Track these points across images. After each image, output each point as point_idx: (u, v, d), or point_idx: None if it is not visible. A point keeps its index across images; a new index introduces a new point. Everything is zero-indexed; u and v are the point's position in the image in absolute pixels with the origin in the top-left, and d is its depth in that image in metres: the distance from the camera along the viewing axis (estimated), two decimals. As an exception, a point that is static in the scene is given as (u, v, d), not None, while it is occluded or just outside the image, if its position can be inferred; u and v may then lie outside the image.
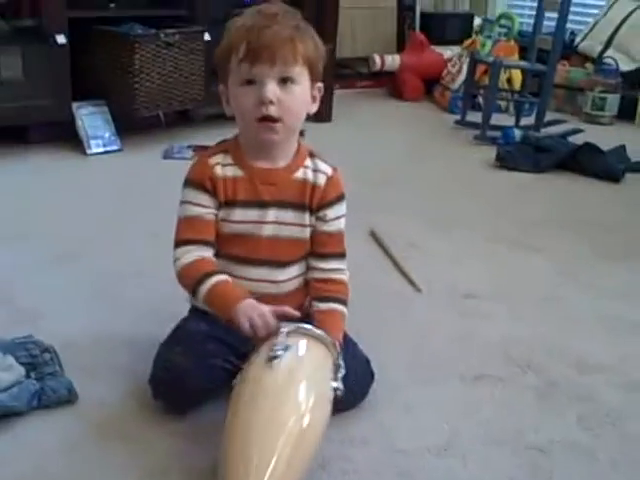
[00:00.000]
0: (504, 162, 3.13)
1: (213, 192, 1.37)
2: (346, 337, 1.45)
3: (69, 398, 1.40)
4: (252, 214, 1.38)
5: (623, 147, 3.23)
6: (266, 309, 1.29)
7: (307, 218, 1.41)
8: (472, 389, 1.55)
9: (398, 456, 1.32)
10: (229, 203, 1.37)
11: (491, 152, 3.23)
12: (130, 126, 3.13)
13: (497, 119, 3.63)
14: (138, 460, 1.28)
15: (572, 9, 3.60)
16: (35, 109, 2.91)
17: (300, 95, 1.33)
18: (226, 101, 1.37)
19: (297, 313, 1.34)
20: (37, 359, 1.44)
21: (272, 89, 1.29)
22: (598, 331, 1.82)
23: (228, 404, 1.21)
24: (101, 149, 3.00)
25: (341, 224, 1.45)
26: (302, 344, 1.26)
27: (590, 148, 3.09)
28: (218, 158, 1.39)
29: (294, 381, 1.21)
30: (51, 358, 1.45)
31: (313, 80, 1.36)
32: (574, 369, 1.63)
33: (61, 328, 1.66)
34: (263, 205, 1.38)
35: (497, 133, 3.44)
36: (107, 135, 3.03)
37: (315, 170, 1.41)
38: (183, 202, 1.39)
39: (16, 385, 1.35)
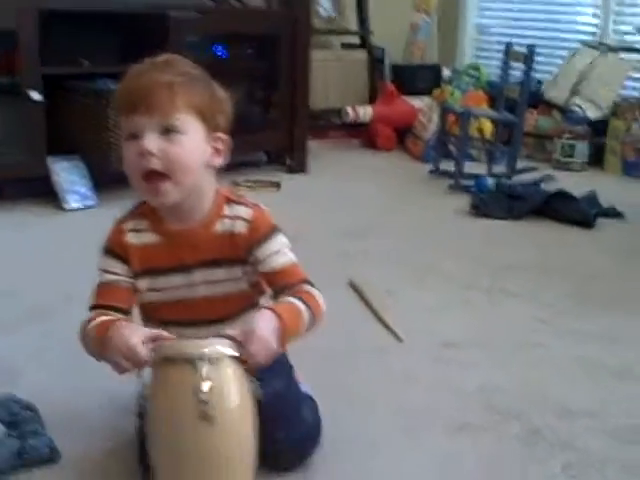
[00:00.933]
0: (478, 210, 3.17)
1: (125, 259, 1.31)
2: (290, 398, 1.38)
3: (51, 456, 1.38)
4: (177, 279, 1.32)
5: (594, 193, 3.29)
6: (135, 340, 1.18)
7: (238, 271, 1.33)
8: (455, 439, 1.55)
9: (384, 510, 1.31)
10: (150, 272, 1.31)
11: (465, 200, 3.28)
12: (106, 180, 3.13)
13: (470, 167, 3.69)
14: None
15: (537, 59, 3.70)
16: (10, 165, 2.92)
17: (187, 144, 1.22)
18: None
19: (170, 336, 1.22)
20: (18, 417, 1.42)
21: (152, 139, 1.19)
22: (578, 377, 1.83)
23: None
24: (78, 204, 3.00)
25: (286, 258, 1.32)
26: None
27: (562, 195, 3.14)
28: (132, 224, 1.33)
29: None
30: (32, 416, 1.44)
31: (210, 130, 1.26)
32: (556, 416, 1.64)
33: (40, 385, 1.65)
34: (187, 268, 1.31)
35: (470, 182, 3.49)
36: (83, 190, 3.04)
37: (234, 217, 1.31)
38: (99, 269, 1.35)
39: (-4, 445, 1.33)
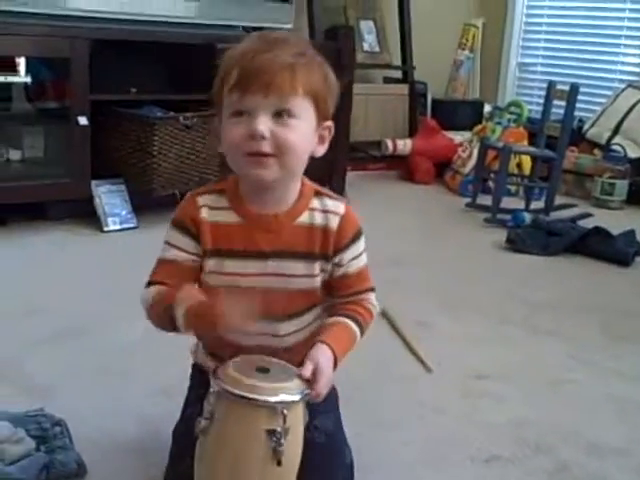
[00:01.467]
0: (514, 245, 3.16)
1: (196, 235, 1.21)
2: (339, 439, 1.35)
3: (78, 472, 1.40)
4: (249, 266, 1.22)
5: (633, 232, 3.25)
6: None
7: (316, 267, 1.24)
8: (483, 471, 1.54)
9: (407, 538, 1.31)
10: (221, 253, 1.22)
11: (501, 235, 3.26)
12: (147, 204, 3.20)
13: (507, 202, 3.69)
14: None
15: (580, 97, 3.69)
16: (55, 186, 2.99)
17: (300, 130, 1.15)
18: (220, 139, 1.20)
19: None
20: (47, 432, 1.44)
21: (264, 122, 1.12)
22: (609, 414, 1.81)
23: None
24: (118, 226, 3.06)
25: (361, 262, 1.28)
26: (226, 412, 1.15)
27: (600, 232, 3.12)
28: (209, 199, 1.23)
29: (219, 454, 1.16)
30: (61, 432, 1.46)
31: (320, 117, 1.18)
32: (585, 452, 1.62)
33: (71, 402, 1.67)
34: (261, 256, 1.22)
35: (507, 216, 3.49)
36: (124, 213, 3.10)
37: (324, 211, 1.24)
38: (165, 241, 1.24)
39: (26, 458, 1.36)
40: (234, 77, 1.12)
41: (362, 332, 1.27)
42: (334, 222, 1.23)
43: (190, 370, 1.43)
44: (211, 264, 1.23)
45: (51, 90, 3.00)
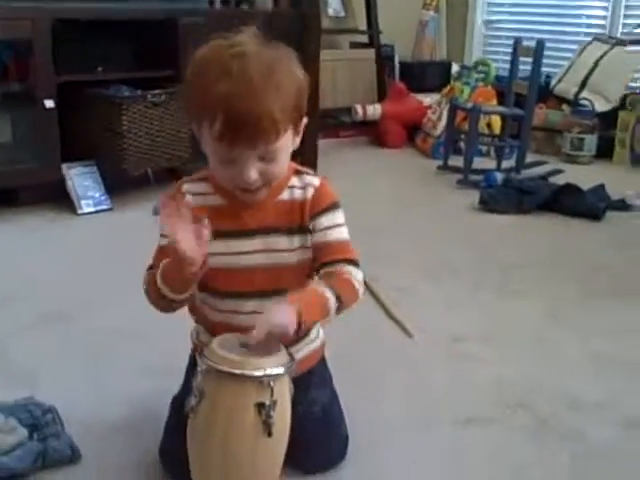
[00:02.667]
0: (487, 205, 3.20)
1: None
2: (335, 411, 1.44)
3: (72, 457, 1.42)
4: (237, 244, 1.30)
5: (602, 186, 3.31)
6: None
7: (295, 241, 1.32)
8: (466, 431, 1.58)
9: (397, 501, 1.35)
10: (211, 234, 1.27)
11: (474, 196, 3.30)
12: (120, 185, 3.19)
13: (479, 163, 3.72)
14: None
15: (546, 53, 3.71)
16: (25, 171, 2.97)
17: (283, 159, 1.25)
18: (199, 137, 1.26)
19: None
20: (39, 420, 1.46)
21: (254, 170, 1.22)
22: (587, 370, 1.86)
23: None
24: (92, 209, 3.05)
25: (340, 234, 1.33)
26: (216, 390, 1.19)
27: (571, 188, 3.17)
28: (193, 187, 1.32)
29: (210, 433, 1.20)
30: (53, 419, 1.48)
31: (297, 124, 1.26)
32: (565, 408, 1.67)
33: (59, 388, 1.69)
34: (248, 234, 1.30)
35: (479, 177, 3.52)
36: (97, 195, 3.09)
37: (303, 187, 1.33)
38: (159, 233, 1.30)
39: (19, 447, 1.38)
40: (218, 128, 1.17)
41: (340, 300, 1.26)
42: (310, 193, 1.32)
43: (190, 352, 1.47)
44: None
45: (15, 73, 2.95)
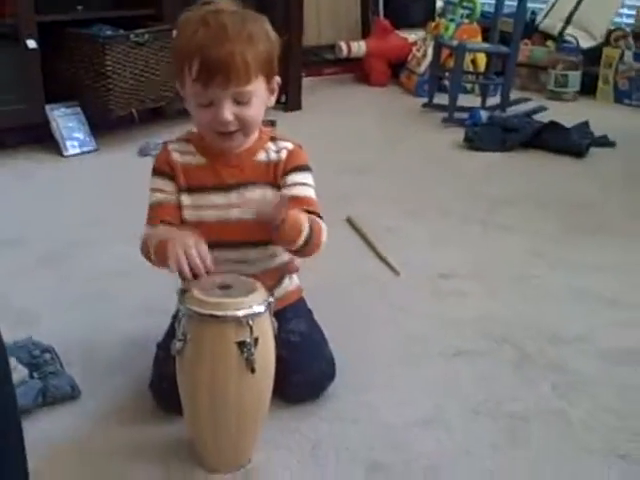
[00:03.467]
0: (472, 143, 3.22)
1: (172, 176, 1.40)
2: (314, 337, 1.51)
3: (72, 394, 1.47)
4: (217, 199, 1.40)
5: (586, 123, 3.34)
6: (204, 246, 1.26)
7: (270, 194, 1.41)
8: (452, 365, 1.64)
9: (388, 431, 1.41)
10: (193, 189, 1.40)
11: (459, 133, 3.32)
12: (104, 125, 3.18)
13: (463, 100, 3.72)
14: (142, 451, 1.36)
15: (531, -12, 3.69)
16: (8, 113, 2.94)
17: (256, 104, 1.35)
18: (183, 98, 1.38)
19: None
20: (38, 359, 1.50)
21: (228, 111, 1.32)
22: (570, 305, 1.92)
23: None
24: (77, 150, 3.05)
25: (309, 191, 1.43)
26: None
27: (555, 126, 3.19)
28: (178, 145, 1.43)
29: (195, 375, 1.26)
30: (52, 357, 1.52)
31: (270, 79, 1.37)
32: (547, 341, 1.73)
33: (56, 328, 1.72)
34: (227, 188, 1.41)
35: (464, 115, 3.53)
36: (82, 136, 3.08)
37: (278, 150, 1.43)
38: (150, 189, 1.43)
39: (21, 385, 1.42)
40: (195, 69, 1.29)
41: (312, 233, 1.35)
42: (283, 155, 1.43)
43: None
44: (185, 200, 1.41)
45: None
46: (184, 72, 1.32)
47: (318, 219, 1.40)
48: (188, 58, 1.30)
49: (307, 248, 1.36)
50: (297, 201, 1.38)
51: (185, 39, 1.32)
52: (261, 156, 1.43)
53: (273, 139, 1.45)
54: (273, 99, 1.41)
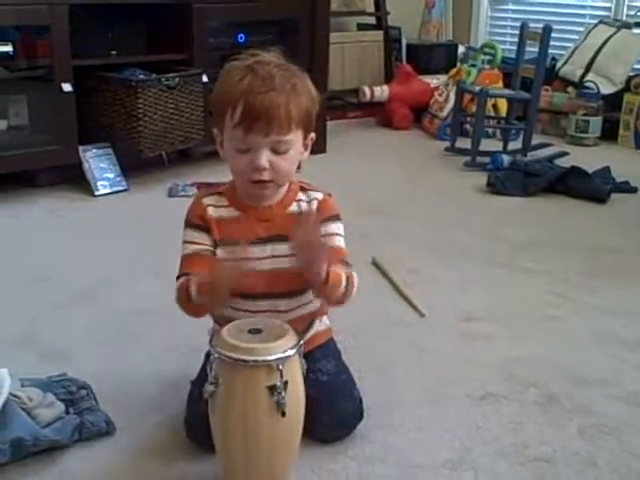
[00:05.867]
0: (494, 188, 3.27)
1: (207, 229, 1.43)
2: (343, 377, 1.53)
3: (108, 430, 1.51)
4: (251, 251, 1.40)
5: (608, 168, 3.37)
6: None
7: None
8: (479, 407, 1.66)
9: (415, 472, 1.43)
10: (226, 243, 1.42)
11: (481, 178, 3.36)
12: (135, 167, 3.25)
13: (485, 145, 3.77)
14: (176, 486, 1.38)
15: (552, 35, 3.74)
16: (43, 154, 3.02)
17: (293, 157, 1.38)
18: (220, 144, 1.42)
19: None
20: (74, 395, 1.54)
21: (265, 158, 1.34)
22: (593, 347, 1.94)
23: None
24: (108, 190, 3.12)
25: (340, 241, 1.46)
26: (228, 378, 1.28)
27: (577, 171, 3.23)
28: (212, 200, 1.46)
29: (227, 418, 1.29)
30: (87, 394, 1.56)
31: (306, 134, 1.41)
32: (572, 384, 1.75)
33: (88, 365, 1.76)
34: (261, 241, 1.43)
35: (486, 159, 3.58)
36: (113, 176, 3.15)
37: (309, 201, 1.46)
38: (183, 242, 1.45)
39: (58, 420, 1.46)
40: (238, 115, 1.33)
41: (347, 282, 1.39)
42: (314, 206, 1.47)
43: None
44: (220, 253, 1.43)
45: (33, 56, 3.00)
46: (225, 117, 1.35)
47: (351, 271, 1.43)
48: (232, 103, 1.33)
49: (342, 299, 1.40)
50: (330, 252, 1.41)
51: (231, 85, 1.35)
52: (293, 208, 1.46)
53: (303, 189, 1.48)
54: (306, 154, 1.44)
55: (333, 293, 1.38)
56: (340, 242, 1.46)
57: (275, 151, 1.35)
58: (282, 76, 1.35)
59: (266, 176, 1.36)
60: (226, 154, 1.41)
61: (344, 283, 1.38)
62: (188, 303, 1.38)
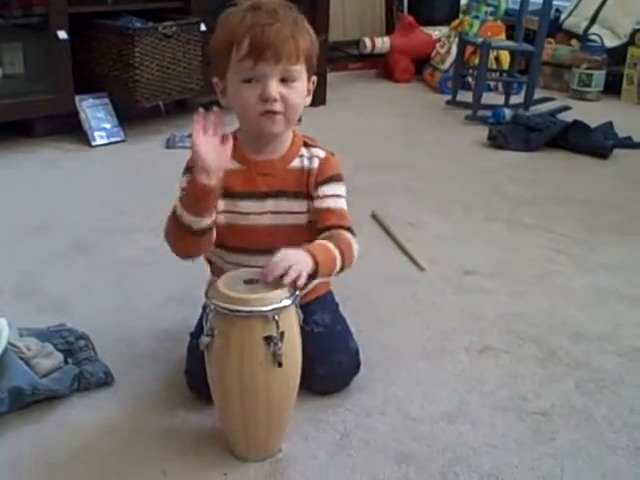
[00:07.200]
0: (496, 141, 3.23)
1: None
2: (339, 329, 1.53)
3: (106, 380, 1.51)
4: (250, 205, 1.41)
5: (610, 123, 3.34)
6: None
7: (306, 205, 1.43)
8: (477, 361, 1.66)
9: (413, 424, 1.44)
10: (227, 195, 1.39)
11: (483, 131, 3.33)
12: (132, 117, 3.21)
13: (487, 98, 3.73)
14: (175, 438, 1.39)
15: (557, -14, 3.69)
16: (39, 103, 2.99)
17: (300, 90, 1.37)
18: (221, 93, 1.40)
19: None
20: (73, 345, 1.54)
21: (276, 87, 1.32)
22: (592, 303, 1.93)
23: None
24: (105, 140, 3.08)
25: (341, 203, 1.44)
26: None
27: (579, 126, 3.19)
28: None
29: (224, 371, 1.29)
30: (86, 344, 1.56)
31: (309, 74, 1.39)
32: (571, 339, 1.75)
33: (88, 315, 1.76)
34: (261, 196, 1.42)
35: (488, 112, 3.54)
36: (110, 126, 3.11)
37: (310, 157, 1.44)
38: (180, 188, 1.39)
39: (57, 370, 1.46)
40: (245, 48, 1.31)
41: (343, 257, 1.36)
42: (315, 164, 1.44)
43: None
44: (220, 205, 1.39)
45: (28, 4, 2.94)
46: (230, 56, 1.33)
47: (348, 236, 1.40)
48: (237, 39, 1.32)
49: (339, 273, 1.39)
50: (330, 214, 1.41)
51: (234, 24, 1.33)
52: (294, 163, 1.44)
53: (306, 145, 1.46)
54: (309, 99, 1.42)
55: (330, 274, 1.36)
56: (341, 203, 1.43)
57: (284, 81, 1.34)
58: (285, 12, 1.35)
59: (277, 107, 1.34)
60: (230, 96, 1.38)
61: (338, 262, 1.35)
62: (175, 224, 1.31)
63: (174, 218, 1.32)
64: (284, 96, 1.34)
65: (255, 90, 1.33)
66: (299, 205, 1.43)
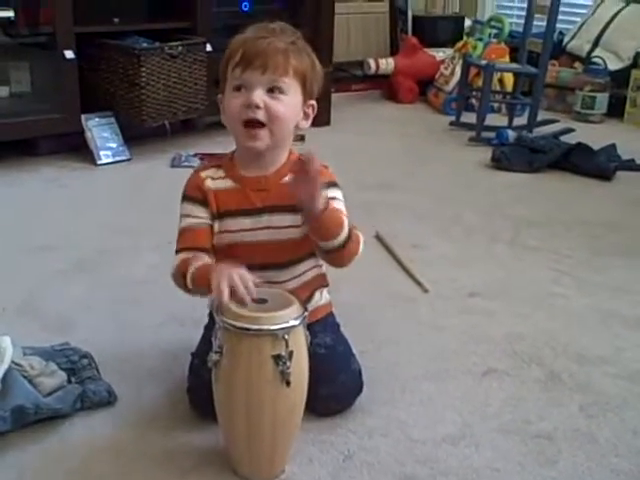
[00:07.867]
0: (499, 163, 3.24)
1: (205, 202, 1.41)
2: (340, 350, 1.52)
3: (109, 399, 1.51)
4: (246, 222, 1.42)
5: (613, 145, 3.35)
6: (247, 273, 1.25)
7: (300, 218, 1.40)
8: (481, 383, 1.66)
9: (417, 446, 1.43)
10: (223, 214, 1.41)
11: (486, 153, 3.34)
12: (137, 136, 3.23)
13: (490, 119, 3.74)
14: (177, 458, 1.38)
15: (560, 9, 3.69)
16: (45, 122, 3.01)
17: (288, 104, 1.36)
18: (223, 111, 1.42)
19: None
20: (76, 364, 1.54)
21: (259, 94, 1.33)
22: (595, 326, 1.93)
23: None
24: (110, 159, 3.10)
25: (341, 205, 1.42)
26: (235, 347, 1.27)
27: (582, 148, 3.20)
28: (209, 172, 1.44)
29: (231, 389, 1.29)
30: (89, 363, 1.56)
31: (306, 96, 1.39)
32: (574, 362, 1.74)
33: (90, 334, 1.76)
34: (256, 212, 1.42)
35: (491, 134, 3.56)
36: (116, 145, 3.13)
37: None
38: (180, 215, 1.44)
39: (60, 389, 1.46)
40: (238, 57, 1.35)
41: (350, 233, 1.35)
42: None
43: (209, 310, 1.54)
44: (217, 226, 1.42)
45: (35, 24, 2.96)
46: (227, 69, 1.37)
47: (354, 227, 1.40)
48: (233, 52, 1.36)
49: (344, 251, 1.36)
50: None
51: (234, 40, 1.38)
52: (289, 177, 1.40)
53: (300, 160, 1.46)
54: (306, 124, 1.43)
55: (334, 231, 1.34)
56: (339, 205, 1.42)
57: (271, 91, 1.35)
58: (285, 33, 1.38)
59: (259, 115, 1.34)
60: (224, 109, 1.40)
61: (345, 229, 1.34)
62: (183, 286, 1.37)
63: (183, 282, 1.36)
64: (268, 105, 1.34)
65: (241, 98, 1.35)
66: (292, 219, 1.42)
